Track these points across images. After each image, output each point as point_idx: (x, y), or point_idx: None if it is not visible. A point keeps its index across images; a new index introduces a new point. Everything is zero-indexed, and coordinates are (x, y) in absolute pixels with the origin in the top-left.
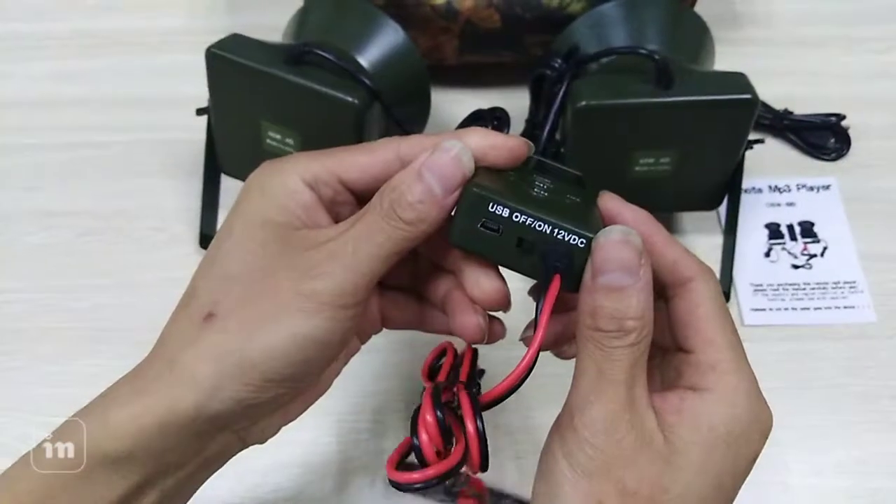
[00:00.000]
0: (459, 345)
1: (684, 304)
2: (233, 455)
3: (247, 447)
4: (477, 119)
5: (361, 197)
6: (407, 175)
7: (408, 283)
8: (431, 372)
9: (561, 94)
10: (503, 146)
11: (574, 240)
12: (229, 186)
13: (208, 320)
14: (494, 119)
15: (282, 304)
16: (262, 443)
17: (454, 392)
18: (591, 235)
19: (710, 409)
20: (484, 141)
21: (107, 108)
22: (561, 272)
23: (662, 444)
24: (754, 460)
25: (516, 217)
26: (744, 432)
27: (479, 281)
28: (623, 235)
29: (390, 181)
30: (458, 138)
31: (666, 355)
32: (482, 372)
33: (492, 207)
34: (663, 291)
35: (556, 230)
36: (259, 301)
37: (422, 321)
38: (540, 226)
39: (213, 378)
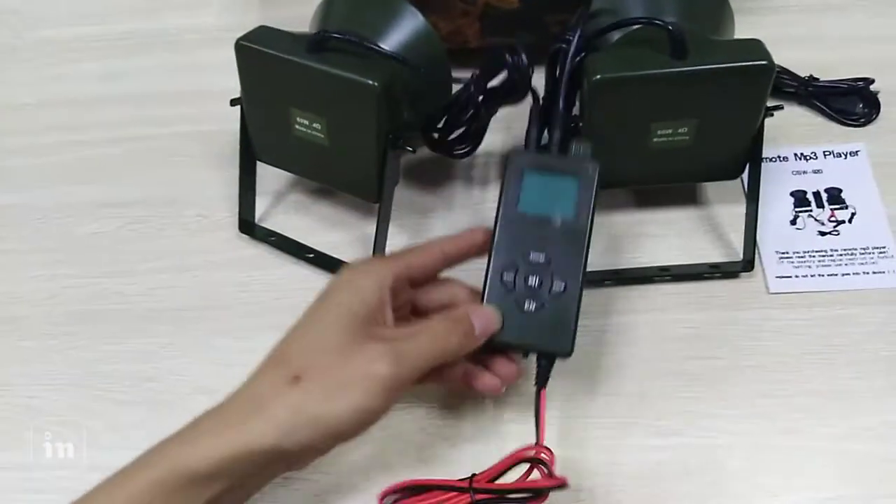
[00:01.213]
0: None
1: None
2: (273, 479)
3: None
4: (491, 59)
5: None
6: (461, 316)
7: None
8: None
9: (568, 66)
10: (477, 244)
11: (554, 357)
12: (264, 173)
13: (296, 381)
14: (507, 56)
15: (352, 380)
16: (299, 470)
17: None
18: (567, 350)
19: None
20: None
21: (151, 104)
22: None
23: None
24: None
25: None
26: None
27: (498, 368)
28: None
29: (452, 314)
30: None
31: None
32: None
33: (494, 343)
34: None
35: (541, 352)
36: (337, 375)
37: None
38: (529, 354)
39: (290, 425)
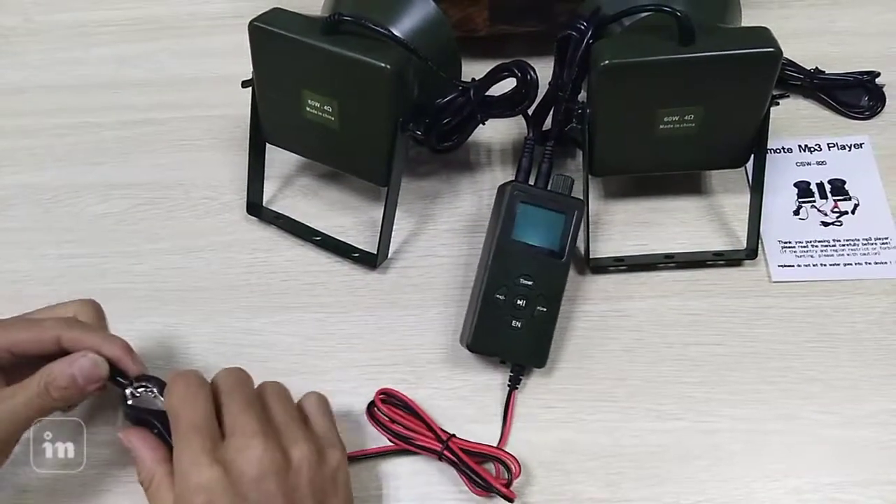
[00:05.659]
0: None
1: None
2: None
3: None
4: (501, 71)
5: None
6: (62, 369)
7: None
8: None
9: (580, 53)
10: (123, 359)
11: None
12: (273, 158)
13: None
14: (517, 71)
15: None
16: None
17: None
18: (543, 365)
19: None
20: (113, 353)
21: (163, 88)
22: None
23: None
24: None
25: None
26: None
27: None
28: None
29: (48, 369)
30: (99, 347)
31: None
32: None
33: (480, 352)
34: None
35: (518, 366)
36: None
37: None
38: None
39: None
